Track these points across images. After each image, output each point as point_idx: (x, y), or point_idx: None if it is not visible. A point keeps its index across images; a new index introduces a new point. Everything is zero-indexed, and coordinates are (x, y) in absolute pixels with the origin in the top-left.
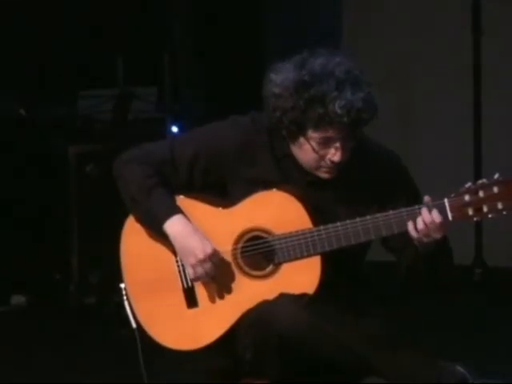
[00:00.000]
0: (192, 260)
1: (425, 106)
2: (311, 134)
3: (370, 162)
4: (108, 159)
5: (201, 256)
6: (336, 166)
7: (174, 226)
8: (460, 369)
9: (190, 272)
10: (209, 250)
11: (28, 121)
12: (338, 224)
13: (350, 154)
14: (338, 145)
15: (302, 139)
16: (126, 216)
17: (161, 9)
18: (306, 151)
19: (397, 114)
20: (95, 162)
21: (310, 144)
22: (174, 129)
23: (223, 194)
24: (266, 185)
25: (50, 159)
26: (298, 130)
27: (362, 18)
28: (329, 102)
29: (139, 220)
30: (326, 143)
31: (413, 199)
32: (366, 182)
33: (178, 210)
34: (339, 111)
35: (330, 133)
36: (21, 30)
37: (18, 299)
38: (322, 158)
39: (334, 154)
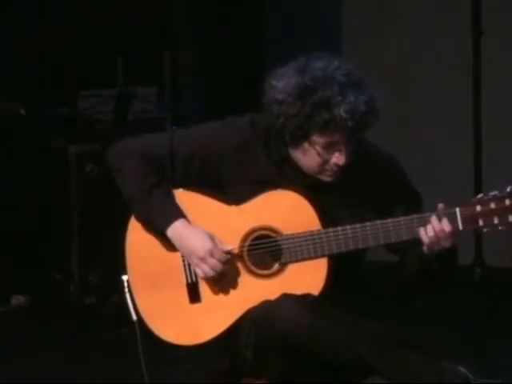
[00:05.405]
0: (195, 260)
1: (425, 106)
2: (316, 138)
3: (368, 164)
4: None
5: (201, 253)
6: (339, 169)
7: (174, 231)
8: (462, 369)
9: (198, 272)
10: (208, 246)
11: (28, 121)
12: (347, 227)
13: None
14: (342, 148)
15: (306, 144)
16: (126, 216)
17: (161, 9)
18: (310, 156)
19: (396, 114)
20: (95, 162)
21: (314, 149)
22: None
23: (221, 193)
24: (263, 186)
25: (50, 159)
26: (303, 136)
27: (362, 18)
28: (333, 106)
29: (139, 218)
30: (330, 147)
31: (412, 201)
32: (363, 184)
33: (177, 215)
34: (344, 115)
35: (335, 137)
36: (21, 30)
37: (17, 299)
38: (326, 162)
39: (339, 158)
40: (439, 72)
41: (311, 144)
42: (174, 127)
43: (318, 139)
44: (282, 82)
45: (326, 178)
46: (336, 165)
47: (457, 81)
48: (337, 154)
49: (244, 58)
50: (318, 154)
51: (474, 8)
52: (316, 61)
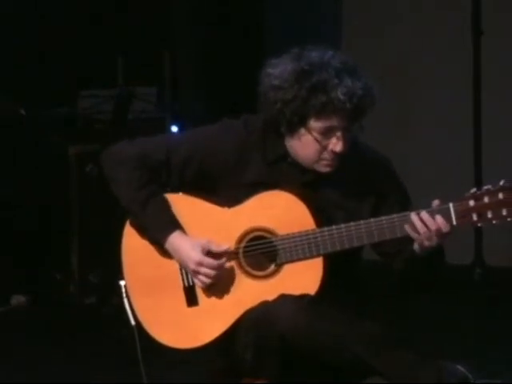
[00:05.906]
0: (190, 271)
1: (425, 106)
2: (313, 123)
3: (363, 164)
4: None
5: (191, 266)
6: (336, 158)
7: (169, 244)
8: (461, 368)
9: (196, 282)
10: (195, 258)
11: (28, 121)
12: (342, 226)
13: (343, 158)
14: (339, 134)
15: (303, 131)
16: (125, 216)
17: (161, 9)
18: (307, 143)
19: (396, 114)
20: (95, 162)
21: (311, 135)
22: (174, 129)
23: (215, 196)
24: (258, 187)
25: (50, 159)
26: (300, 121)
27: (362, 18)
28: (330, 89)
29: (134, 224)
30: (327, 133)
31: (405, 203)
32: (359, 183)
33: (171, 227)
34: (342, 97)
35: (332, 121)
36: (21, 29)
37: (17, 299)
38: (324, 148)
39: (336, 144)
40: (439, 72)
41: (308, 130)
42: (174, 126)
43: (315, 124)
44: (278, 69)
45: (323, 168)
46: (333, 152)
47: (457, 81)
48: (334, 140)
49: (244, 58)
50: (316, 140)
51: (474, 8)
52: (311, 50)
